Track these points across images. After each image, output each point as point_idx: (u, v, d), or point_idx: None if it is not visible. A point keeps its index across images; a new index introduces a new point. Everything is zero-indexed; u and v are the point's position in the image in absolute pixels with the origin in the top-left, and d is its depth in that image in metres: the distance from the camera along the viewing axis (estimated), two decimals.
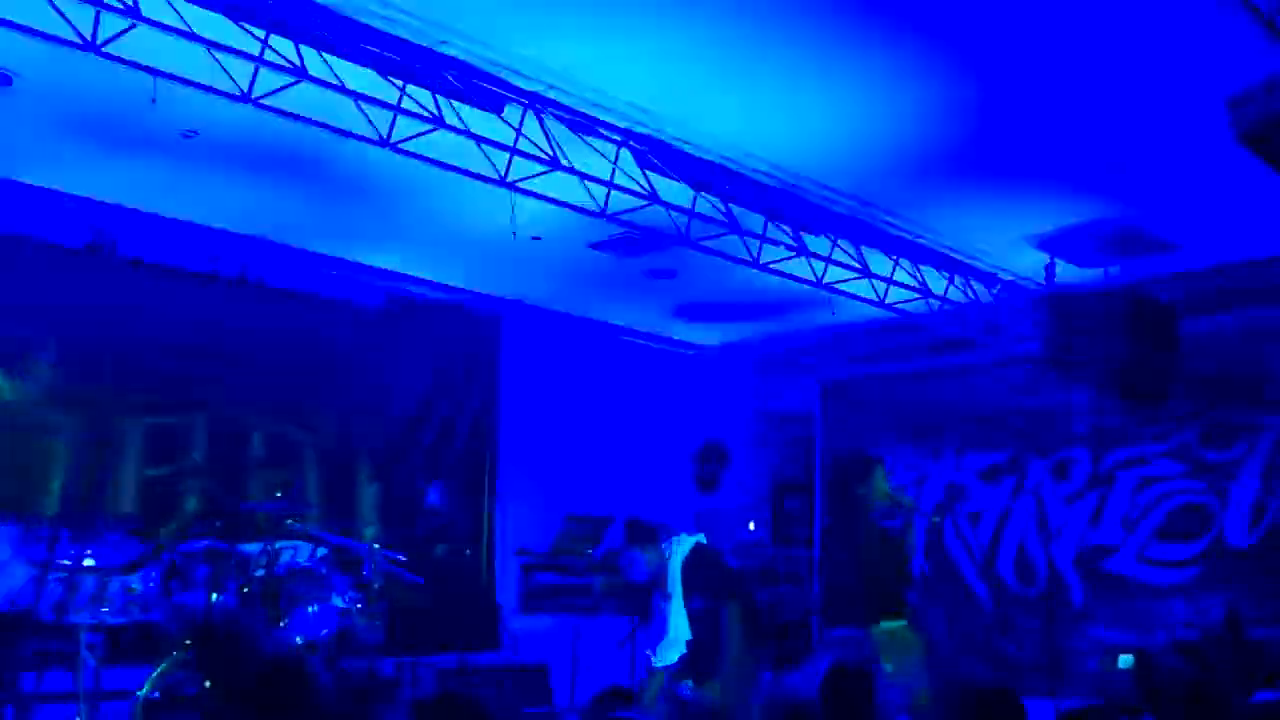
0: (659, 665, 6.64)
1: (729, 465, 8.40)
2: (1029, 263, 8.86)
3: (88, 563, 6.31)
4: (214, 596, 6.34)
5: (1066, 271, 8.88)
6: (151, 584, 6.63)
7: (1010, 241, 8.62)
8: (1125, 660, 8.11)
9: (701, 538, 6.91)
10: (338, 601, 6.90)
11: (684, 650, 6.48)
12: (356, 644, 7.01)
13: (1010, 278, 9.27)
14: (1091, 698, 7.84)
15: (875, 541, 6.95)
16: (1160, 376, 8.57)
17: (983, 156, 7.16)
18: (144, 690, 6.11)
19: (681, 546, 6.68)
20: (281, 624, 6.64)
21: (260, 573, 6.79)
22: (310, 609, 6.70)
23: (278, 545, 7.13)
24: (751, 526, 8.59)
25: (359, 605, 7.01)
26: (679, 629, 6.50)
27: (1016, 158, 7.18)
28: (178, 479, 8.12)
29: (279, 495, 8.07)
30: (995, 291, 9.31)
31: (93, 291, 7.88)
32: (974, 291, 9.14)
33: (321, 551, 7.95)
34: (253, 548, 7.01)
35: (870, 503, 7.06)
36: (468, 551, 9.28)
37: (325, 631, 6.75)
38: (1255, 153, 4.84)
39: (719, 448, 8.57)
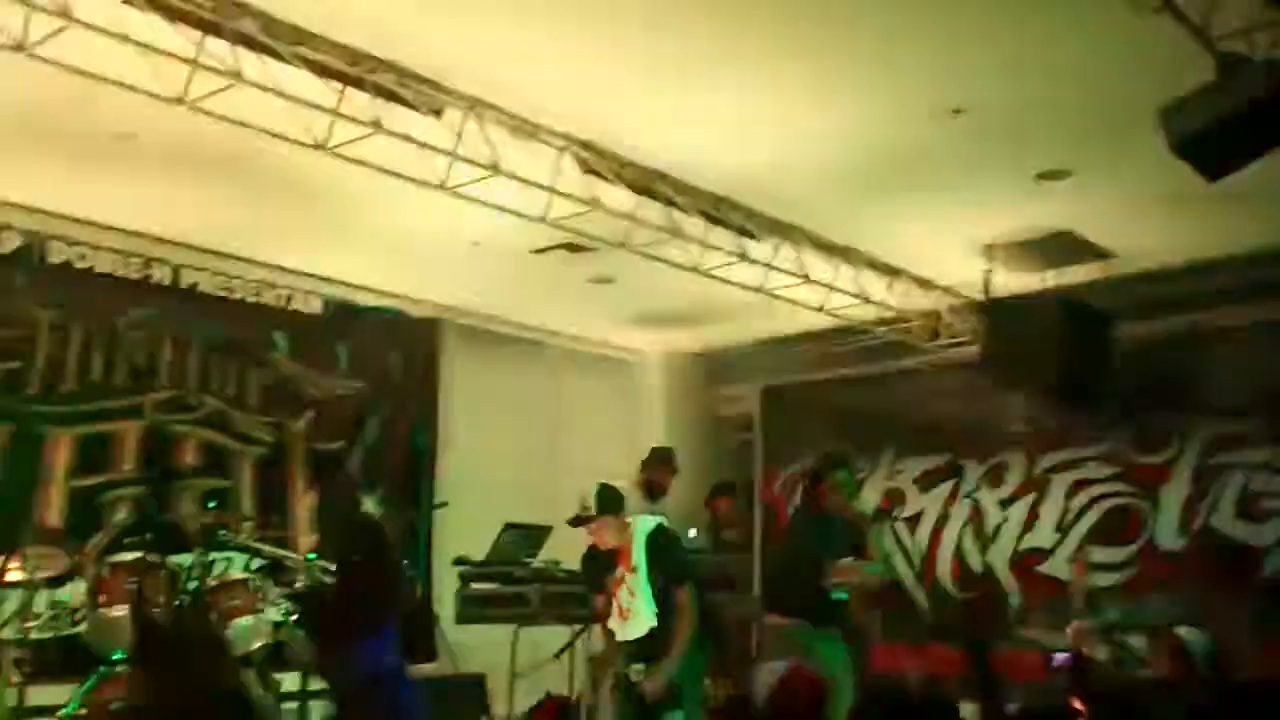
0: (621, 640, 6.67)
1: (675, 472, 8.35)
2: (967, 269, 8.94)
3: (12, 576, 6.16)
4: (145, 609, 6.19)
5: (1004, 278, 8.97)
6: (79, 597, 6.50)
7: (948, 248, 8.69)
8: (1060, 661, 8.21)
9: (663, 520, 6.91)
10: (272, 613, 6.78)
11: (645, 631, 6.48)
12: (290, 657, 6.90)
13: (948, 284, 9.37)
14: (1029, 701, 7.93)
15: (824, 540, 6.89)
16: (1094, 382, 8.70)
17: (922, 164, 7.21)
18: (70, 706, 5.98)
19: (644, 524, 6.69)
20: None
21: (193, 585, 6.66)
22: (244, 621, 6.58)
23: (210, 557, 7.00)
24: (693, 533, 8.56)
25: (293, 617, 6.90)
26: (643, 605, 6.50)
27: (954, 166, 7.24)
28: (107, 489, 7.96)
29: (212, 506, 7.95)
30: (934, 298, 9.39)
31: (21, 298, 7.70)
32: (913, 297, 9.21)
33: (255, 563, 7.83)
34: (184, 559, 6.88)
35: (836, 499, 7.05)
36: (404, 561, 9.18)
37: (259, 644, 6.63)
38: (1186, 160, 4.91)
39: (666, 455, 8.52)
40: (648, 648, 6.22)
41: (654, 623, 6.26)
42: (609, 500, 6.50)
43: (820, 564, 6.89)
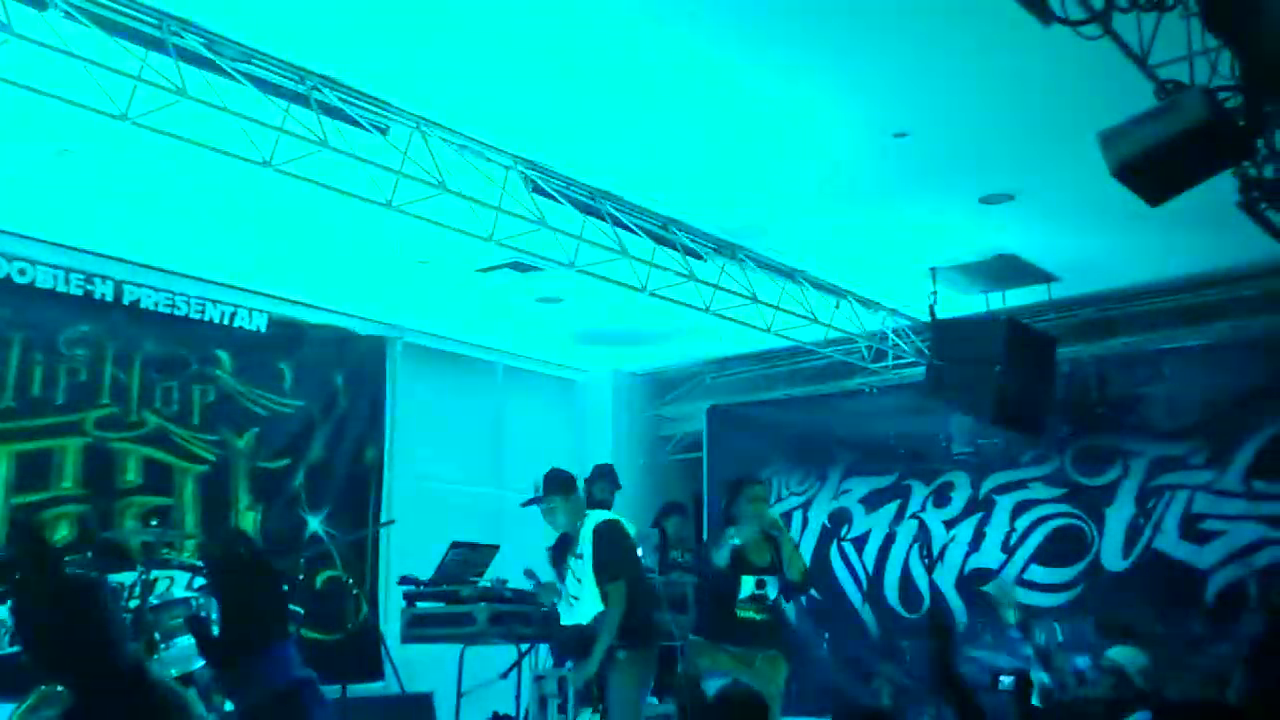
0: (562, 624, 6.79)
1: (619, 488, 8.35)
2: (913, 291, 9.02)
3: None
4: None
5: (949, 300, 9.06)
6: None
7: (894, 270, 8.78)
8: (1005, 682, 8.24)
9: (619, 517, 6.97)
10: (215, 632, 6.70)
11: (589, 620, 6.57)
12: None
13: (894, 306, 9.45)
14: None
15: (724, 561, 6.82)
16: (1038, 404, 8.80)
17: (867, 187, 7.29)
18: None
19: (597, 515, 6.79)
20: (156, 656, 6.43)
21: (134, 603, 6.58)
22: (186, 640, 6.50)
23: (152, 575, 6.93)
24: (640, 552, 8.57)
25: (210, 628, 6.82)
26: (589, 594, 6.58)
27: (899, 188, 7.32)
28: (48, 506, 7.85)
29: (154, 523, 7.86)
30: (880, 319, 9.47)
31: None
32: (860, 319, 9.28)
33: (199, 581, 7.75)
34: (126, 577, 6.80)
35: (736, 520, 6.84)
36: (350, 580, 9.12)
37: (201, 663, 6.55)
38: (1128, 185, 4.98)
39: (607, 470, 8.53)
40: (585, 641, 6.34)
41: (597, 613, 6.37)
42: (556, 482, 6.66)
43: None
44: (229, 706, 5.69)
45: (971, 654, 9.18)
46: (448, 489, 10.17)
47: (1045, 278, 8.94)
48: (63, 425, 8.01)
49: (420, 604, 7.89)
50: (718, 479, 11.12)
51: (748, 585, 6.70)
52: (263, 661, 4.68)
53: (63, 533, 7.82)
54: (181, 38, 5.28)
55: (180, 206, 7.42)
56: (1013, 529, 9.81)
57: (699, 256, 8.02)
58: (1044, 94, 5.95)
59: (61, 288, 8.06)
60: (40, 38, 4.82)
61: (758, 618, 6.76)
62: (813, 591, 10.01)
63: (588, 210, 7.22)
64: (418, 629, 7.86)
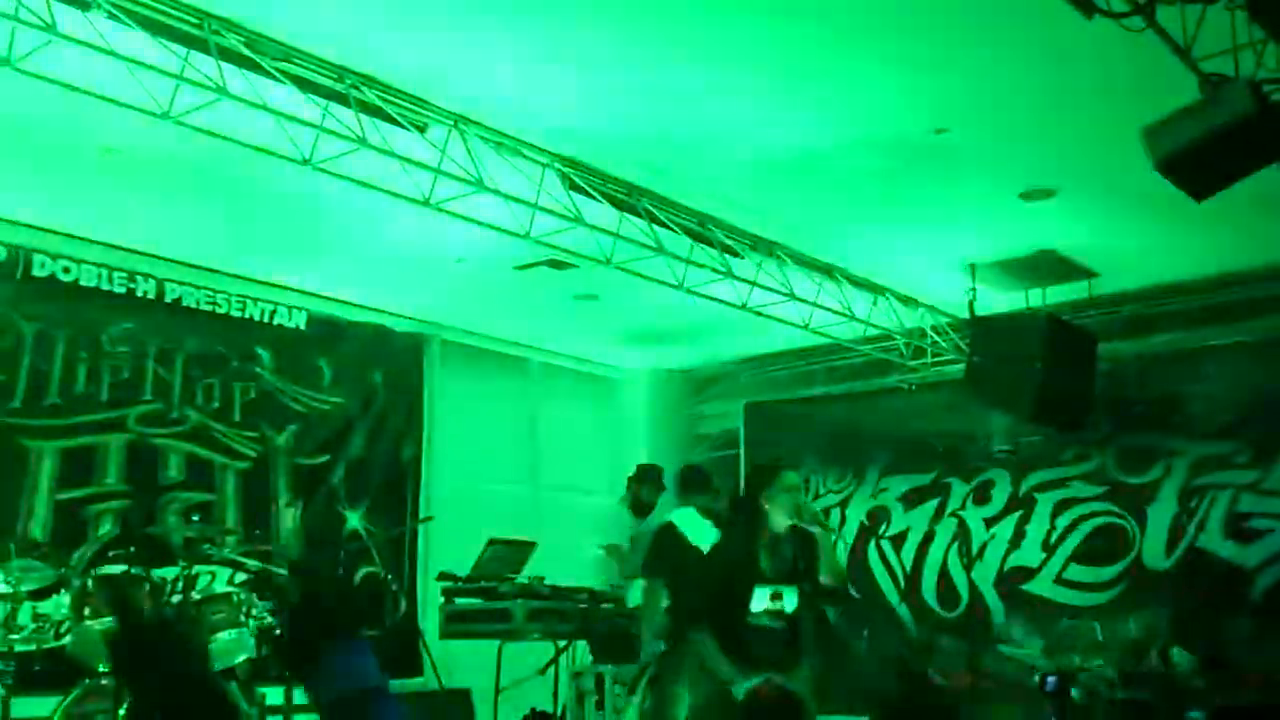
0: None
1: (664, 490, 8.33)
2: (951, 288, 8.97)
3: None
4: (127, 621, 6.17)
5: (988, 296, 9.00)
6: (63, 610, 6.48)
7: (933, 267, 8.72)
8: (1051, 683, 8.17)
9: (685, 517, 6.89)
10: (255, 627, 6.77)
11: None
12: (274, 670, 6.88)
13: (933, 302, 9.39)
14: None
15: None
16: (1078, 401, 8.72)
17: (906, 182, 7.25)
18: (53, 718, 5.96)
19: (667, 514, 6.84)
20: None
21: (176, 598, 6.65)
22: (227, 635, 6.57)
23: (194, 570, 6.99)
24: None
25: (277, 631, 6.88)
26: None
27: (938, 184, 7.27)
28: (91, 502, 7.94)
29: (196, 519, 7.93)
30: (918, 316, 9.42)
31: (5, 311, 7.69)
32: (898, 316, 9.23)
33: (240, 576, 7.81)
34: (169, 572, 6.86)
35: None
36: (388, 576, 9.17)
37: (242, 657, 6.61)
38: (1172, 180, 4.93)
39: (655, 472, 8.46)
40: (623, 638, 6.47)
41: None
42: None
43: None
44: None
45: (1009, 652, 9.12)
46: (484, 486, 10.20)
47: (1086, 274, 8.87)
48: (106, 422, 8.11)
49: (458, 600, 7.93)
50: None
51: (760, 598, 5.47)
52: (331, 665, 4.73)
53: (105, 528, 7.91)
54: (223, 37, 5.32)
55: (221, 205, 7.48)
56: (1053, 527, 9.74)
57: (736, 253, 8.00)
58: (1086, 88, 5.89)
59: (105, 285, 8.16)
60: (84, 37, 4.87)
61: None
62: (850, 589, 9.97)
63: (624, 207, 7.21)
64: (456, 625, 7.90)
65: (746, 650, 5.13)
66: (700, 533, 6.69)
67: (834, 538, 6.51)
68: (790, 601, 5.29)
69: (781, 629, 5.41)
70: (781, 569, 5.33)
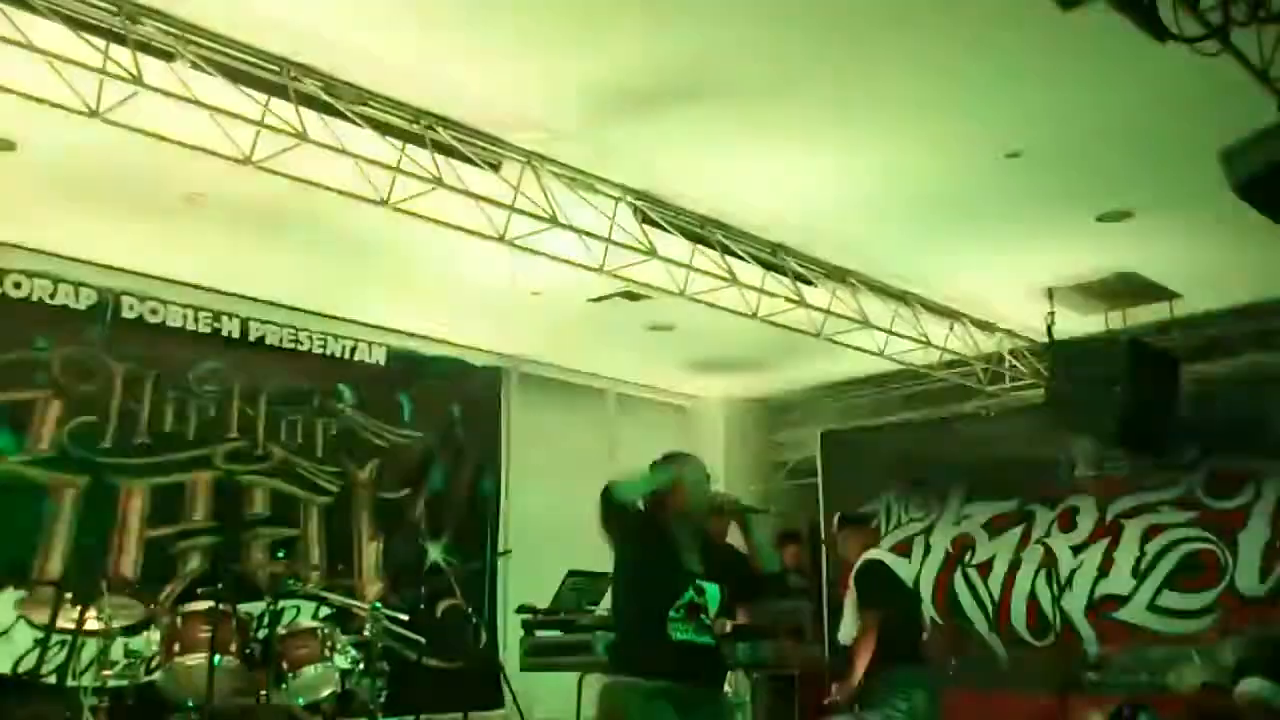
0: None
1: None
2: (1029, 312, 8.87)
3: (90, 625, 6.29)
4: (216, 658, 6.28)
5: (1067, 320, 8.88)
6: (153, 646, 6.61)
7: (1009, 291, 8.64)
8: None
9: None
10: (340, 662, 6.85)
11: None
12: (358, 704, 6.95)
13: (1010, 327, 9.30)
14: None
15: None
16: (1162, 424, 8.56)
17: (980, 207, 7.20)
18: None
19: None
20: (283, 685, 6.59)
21: (262, 633, 6.75)
22: (313, 670, 6.65)
23: (279, 605, 7.10)
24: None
25: (360, 665, 6.96)
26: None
27: (1013, 208, 7.22)
28: (180, 539, 8.10)
29: (281, 555, 8.06)
30: (995, 341, 9.33)
31: (96, 352, 7.90)
32: (975, 341, 9.14)
33: (324, 611, 7.93)
34: (254, 608, 6.97)
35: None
36: (469, 609, 9.24)
37: (327, 692, 6.70)
38: (1250, 202, 4.85)
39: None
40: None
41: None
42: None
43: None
44: None
45: (1104, 682, 8.94)
46: (563, 517, 10.23)
47: (1167, 295, 8.72)
48: (193, 459, 8.28)
49: (538, 632, 7.95)
50: (832, 505, 11.02)
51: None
52: None
53: (193, 564, 8.07)
54: (301, 82, 5.45)
55: (301, 245, 7.63)
56: (1143, 553, 9.53)
57: (809, 281, 7.99)
58: (1160, 110, 5.82)
59: (191, 326, 8.36)
60: (168, 87, 5.03)
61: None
62: (935, 618, 9.85)
63: (697, 239, 7.25)
64: (536, 657, 7.91)
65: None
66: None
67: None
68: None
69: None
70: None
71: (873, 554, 7.04)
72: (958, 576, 10.50)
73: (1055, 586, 9.78)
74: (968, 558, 10.50)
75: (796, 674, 7.50)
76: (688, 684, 4.37)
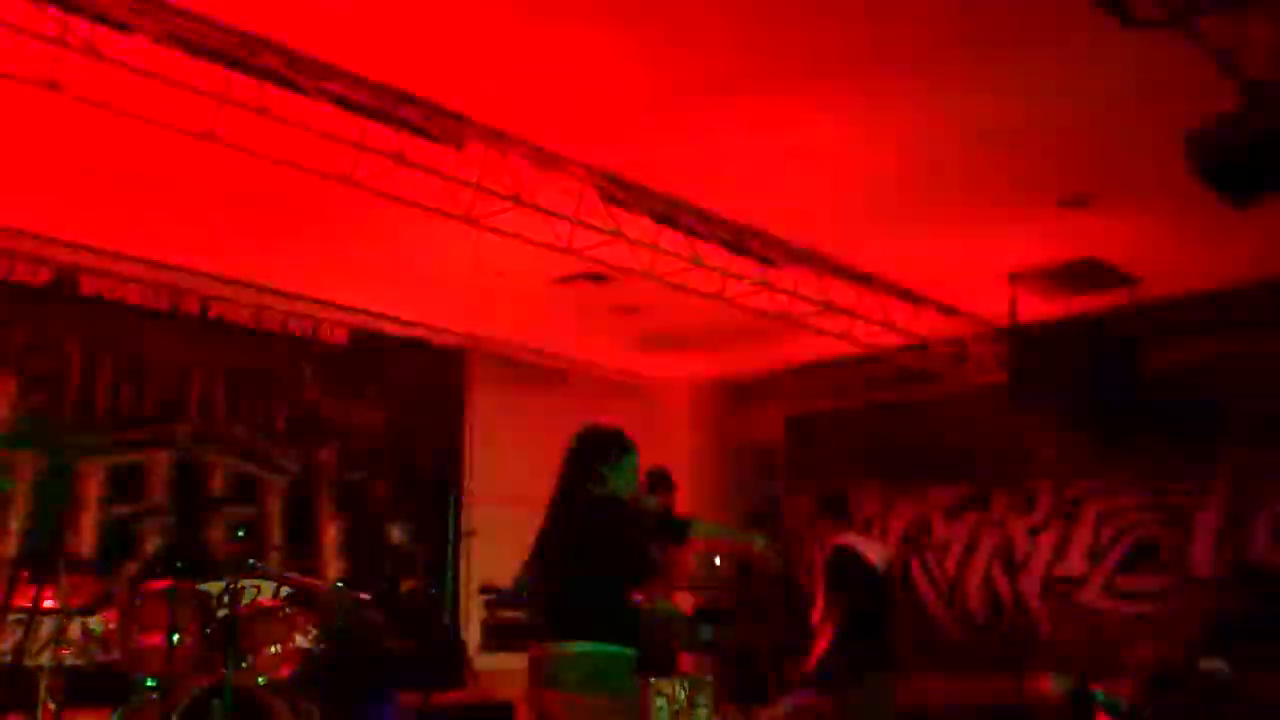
0: None
1: (674, 490, 8.20)
2: (992, 297, 8.92)
3: (47, 604, 6.21)
4: (175, 637, 6.22)
5: (1029, 305, 8.94)
6: (112, 625, 6.54)
7: (973, 276, 8.68)
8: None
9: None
10: (300, 641, 6.80)
11: None
12: (319, 684, 6.91)
13: (973, 311, 9.34)
14: None
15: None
16: (1122, 409, 8.64)
17: (943, 191, 7.22)
18: None
19: None
20: (243, 664, 6.54)
21: (222, 613, 6.70)
22: (273, 649, 6.61)
23: (240, 584, 7.04)
24: (718, 561, 8.56)
25: (322, 645, 6.92)
26: None
27: (975, 193, 7.24)
28: (138, 519, 8.03)
29: (241, 534, 7.99)
30: (959, 325, 9.37)
31: (53, 329, 7.80)
32: (937, 325, 9.19)
33: (284, 591, 7.87)
34: (214, 587, 6.91)
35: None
36: (432, 589, 9.22)
37: (288, 672, 6.65)
38: (1214, 188, 4.89)
39: (663, 475, 8.42)
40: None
41: None
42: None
43: None
44: None
45: (1057, 664, 9.03)
46: (525, 497, 10.20)
47: (1127, 280, 8.78)
48: (152, 439, 8.23)
49: (500, 613, 7.95)
50: (794, 488, 11.08)
51: None
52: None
53: (152, 543, 8.00)
54: (261, 57, 5.39)
55: (264, 223, 7.56)
56: (1098, 537, 9.63)
57: (774, 264, 8.00)
58: (1123, 95, 5.84)
59: (150, 304, 8.30)
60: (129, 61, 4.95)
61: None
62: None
63: (663, 220, 7.24)
64: (499, 637, 7.91)
65: None
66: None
67: None
68: None
69: None
70: None
71: (844, 540, 7.14)
72: (915, 558, 10.59)
73: (1010, 569, 9.89)
74: (924, 540, 10.59)
75: (758, 653, 7.53)
76: None
